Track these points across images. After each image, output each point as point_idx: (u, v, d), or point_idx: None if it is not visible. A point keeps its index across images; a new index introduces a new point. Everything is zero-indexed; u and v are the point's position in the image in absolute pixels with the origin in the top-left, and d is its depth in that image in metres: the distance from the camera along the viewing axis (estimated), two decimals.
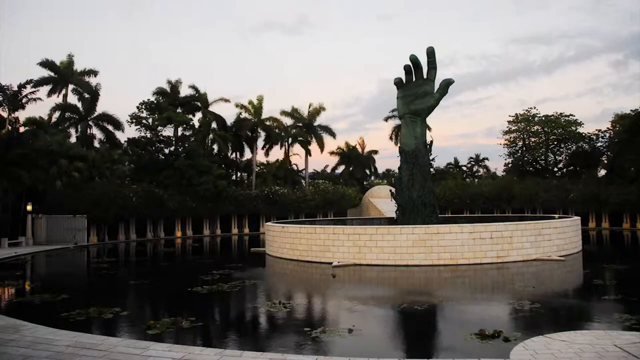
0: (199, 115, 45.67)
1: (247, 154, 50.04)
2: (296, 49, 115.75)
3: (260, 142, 48.18)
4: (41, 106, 49.78)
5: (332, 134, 50.72)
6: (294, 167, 56.89)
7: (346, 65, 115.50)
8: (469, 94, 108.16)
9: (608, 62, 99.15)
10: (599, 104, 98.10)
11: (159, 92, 43.89)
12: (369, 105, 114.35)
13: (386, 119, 55.85)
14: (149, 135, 42.64)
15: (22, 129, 34.13)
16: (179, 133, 43.06)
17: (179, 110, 44.09)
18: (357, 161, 60.57)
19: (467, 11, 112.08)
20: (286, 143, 50.77)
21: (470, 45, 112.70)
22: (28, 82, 34.07)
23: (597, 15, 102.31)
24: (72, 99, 40.44)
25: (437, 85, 20.25)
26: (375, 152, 62.37)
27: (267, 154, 50.04)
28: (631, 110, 42.80)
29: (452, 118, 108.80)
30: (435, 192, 21.68)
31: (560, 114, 51.57)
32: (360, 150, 62.09)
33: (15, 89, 32.20)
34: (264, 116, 46.54)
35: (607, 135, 47.91)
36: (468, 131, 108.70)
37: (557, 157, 53.02)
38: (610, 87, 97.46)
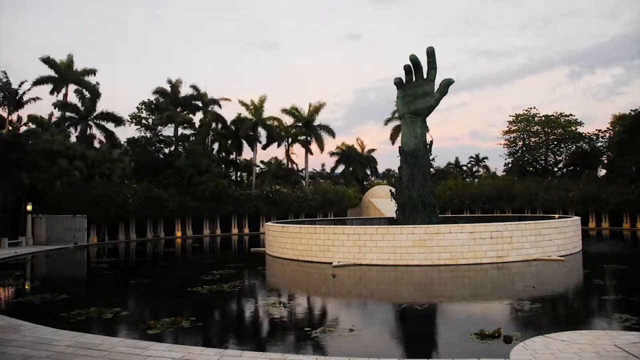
0: (199, 114, 45.70)
1: (247, 154, 50.10)
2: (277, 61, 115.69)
3: (260, 142, 48.17)
4: (41, 106, 49.88)
5: (332, 133, 50.67)
6: (294, 166, 56.91)
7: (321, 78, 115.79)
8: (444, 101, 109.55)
9: (564, 73, 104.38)
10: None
11: (159, 91, 43.88)
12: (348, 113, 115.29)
13: (386, 122, 55.89)
14: (149, 135, 42.69)
15: (22, 129, 34.17)
16: (179, 132, 43.07)
17: (179, 110, 44.09)
18: (357, 161, 60.57)
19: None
20: (286, 142, 50.79)
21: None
22: (37, 82, 34.37)
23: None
24: (73, 98, 40.46)
25: (437, 85, 20.26)
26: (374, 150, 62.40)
27: (264, 149, 50.01)
28: (631, 110, 42.82)
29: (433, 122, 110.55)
30: (435, 192, 21.69)
31: (560, 114, 51.57)
32: (360, 150, 62.09)
33: (15, 87, 32.26)
34: (264, 116, 46.54)
35: (607, 135, 47.90)
36: (453, 135, 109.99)
37: (557, 157, 53.03)
38: (566, 96, 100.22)
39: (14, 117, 33.90)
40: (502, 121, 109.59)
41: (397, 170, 22.52)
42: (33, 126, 34.90)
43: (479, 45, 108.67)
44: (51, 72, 38.90)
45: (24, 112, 35.55)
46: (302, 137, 49.55)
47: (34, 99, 34.61)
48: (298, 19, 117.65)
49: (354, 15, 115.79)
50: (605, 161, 47.76)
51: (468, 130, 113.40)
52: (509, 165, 55.22)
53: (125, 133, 42.43)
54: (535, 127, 52.02)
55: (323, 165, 67.66)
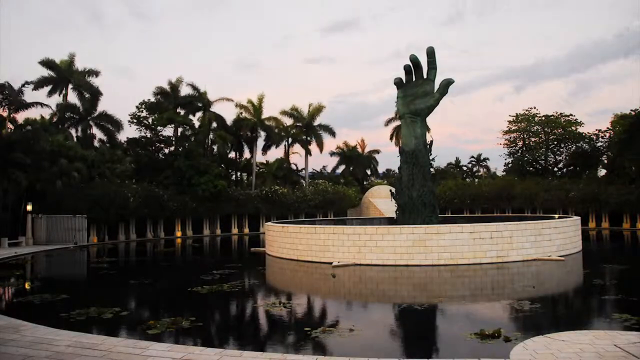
0: (199, 114, 45.69)
1: (247, 154, 50.12)
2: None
3: (260, 142, 48.24)
4: (42, 106, 49.79)
5: (332, 133, 50.74)
6: (294, 166, 56.95)
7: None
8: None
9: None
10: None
11: (159, 92, 43.87)
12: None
13: (386, 123, 55.97)
14: (149, 135, 42.68)
15: (22, 129, 34.15)
16: (179, 133, 43.07)
17: (179, 110, 44.08)
18: (357, 161, 60.61)
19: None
20: (286, 143, 50.81)
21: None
22: (37, 85, 34.46)
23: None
24: (73, 98, 40.47)
25: (437, 85, 20.25)
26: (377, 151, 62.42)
27: (265, 152, 50.08)
28: (631, 110, 42.83)
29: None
30: (435, 192, 21.67)
31: (561, 114, 51.58)
32: (360, 150, 62.13)
33: (17, 88, 32.25)
34: (264, 116, 46.57)
35: (607, 135, 47.89)
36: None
37: (557, 157, 53.01)
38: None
39: (15, 117, 33.86)
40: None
41: (397, 170, 22.51)
42: (31, 127, 34.91)
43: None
44: (51, 73, 38.97)
45: (27, 114, 35.67)
46: (302, 138, 49.58)
47: (38, 104, 34.64)
48: (299, 18, 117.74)
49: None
50: (605, 161, 47.75)
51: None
52: (509, 165, 55.24)
53: (125, 133, 42.96)
54: (535, 127, 52.03)
55: (325, 166, 67.78)
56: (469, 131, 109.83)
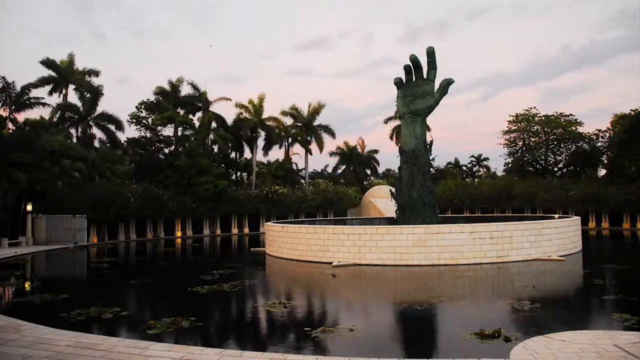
0: (199, 114, 45.69)
1: (247, 154, 50.13)
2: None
3: (260, 142, 48.25)
4: (43, 106, 49.82)
5: (332, 134, 50.75)
6: (294, 166, 56.91)
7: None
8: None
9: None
10: None
11: (160, 92, 43.87)
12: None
13: (386, 121, 55.98)
14: (149, 135, 42.67)
15: (22, 129, 34.17)
16: (179, 133, 43.06)
17: (179, 110, 44.07)
18: (357, 161, 60.61)
19: None
20: (286, 143, 50.79)
21: None
22: (37, 85, 34.52)
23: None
24: (73, 98, 40.48)
25: (437, 85, 20.25)
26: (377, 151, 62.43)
27: (265, 152, 50.10)
28: (631, 110, 42.82)
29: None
30: (435, 192, 21.68)
31: (560, 114, 51.55)
32: (360, 150, 62.12)
33: (19, 89, 32.30)
34: (264, 116, 46.56)
35: (607, 135, 47.87)
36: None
37: (557, 157, 52.98)
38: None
39: (15, 117, 33.89)
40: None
41: (397, 170, 22.52)
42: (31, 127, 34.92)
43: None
44: (52, 73, 38.96)
45: (27, 114, 35.68)
46: (302, 137, 49.57)
47: (40, 104, 34.66)
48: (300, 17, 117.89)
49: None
50: (605, 161, 47.72)
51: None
52: (509, 165, 55.23)
53: (125, 133, 42.97)
54: (535, 127, 52.01)
55: (326, 166, 67.79)
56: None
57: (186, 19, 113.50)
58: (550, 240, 18.78)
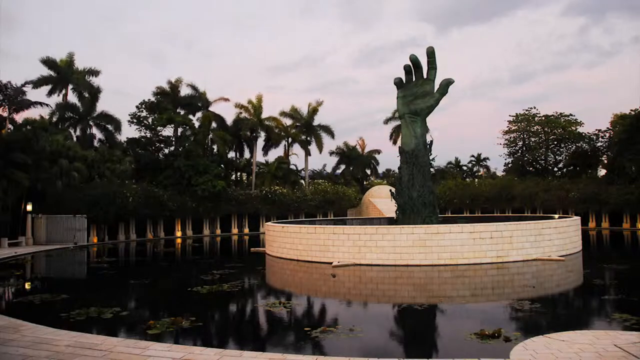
0: (198, 114, 45.68)
1: (247, 154, 50.13)
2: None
3: (260, 142, 48.24)
4: (43, 106, 49.82)
5: (331, 134, 50.73)
6: (293, 166, 56.93)
7: None
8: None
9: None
10: None
11: (159, 92, 43.86)
12: None
13: (386, 122, 55.92)
14: (148, 135, 42.68)
15: (22, 129, 34.16)
16: (179, 133, 43.06)
17: (179, 110, 44.07)
18: (357, 161, 60.58)
19: None
20: (286, 142, 50.79)
21: None
22: (37, 84, 34.52)
23: None
24: (73, 98, 40.46)
25: (437, 85, 20.25)
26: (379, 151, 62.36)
27: (265, 152, 50.09)
28: (631, 110, 42.82)
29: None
30: (435, 192, 21.67)
31: (560, 114, 51.57)
32: (360, 150, 62.10)
33: (17, 87, 32.26)
34: (263, 116, 46.56)
35: (607, 135, 47.89)
36: None
37: (557, 157, 52.99)
38: None
39: (14, 117, 33.88)
40: None
41: (397, 170, 22.50)
42: (30, 127, 34.92)
43: None
44: (51, 72, 38.94)
45: (27, 114, 35.67)
46: (302, 138, 49.58)
47: (40, 103, 34.64)
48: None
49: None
50: (605, 161, 47.73)
51: None
52: (509, 165, 55.24)
53: (125, 133, 42.99)
54: (535, 127, 52.02)
55: (325, 166, 67.77)
56: None
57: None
58: (550, 240, 18.77)
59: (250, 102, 46.14)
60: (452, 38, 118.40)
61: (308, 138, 49.86)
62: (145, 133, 42.74)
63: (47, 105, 36.04)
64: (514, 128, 53.28)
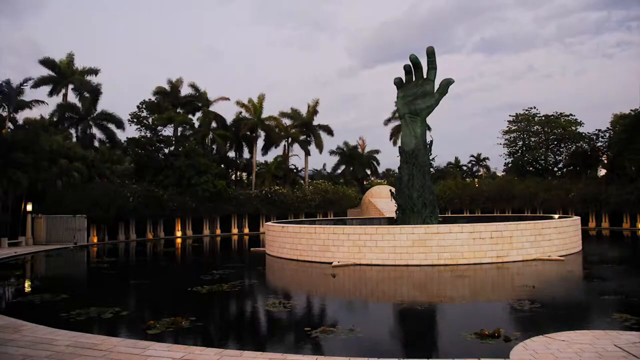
0: (198, 114, 45.69)
1: (247, 154, 50.10)
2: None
3: (260, 142, 48.23)
4: (43, 105, 49.83)
5: (331, 133, 50.73)
6: (293, 166, 56.94)
7: None
8: None
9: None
10: None
11: (159, 91, 43.86)
12: None
13: (386, 122, 55.96)
14: (149, 135, 42.69)
15: (22, 129, 34.17)
16: (179, 132, 43.07)
17: (179, 110, 44.08)
18: (357, 161, 60.59)
19: None
20: (285, 142, 50.80)
21: None
22: (37, 84, 34.54)
23: None
24: (73, 98, 40.46)
25: (437, 85, 20.25)
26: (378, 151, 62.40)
27: (265, 152, 50.07)
28: (631, 110, 42.80)
29: None
30: (435, 192, 21.67)
31: (561, 114, 51.57)
32: (360, 150, 62.11)
33: (14, 86, 32.27)
34: (263, 116, 46.56)
35: (607, 135, 47.87)
36: None
37: (557, 157, 52.99)
38: None
39: (14, 117, 33.88)
40: None
41: (397, 170, 22.50)
42: (30, 127, 34.93)
43: None
44: (51, 72, 38.95)
45: (27, 114, 35.70)
46: (302, 137, 49.58)
47: (39, 102, 34.64)
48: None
49: None
50: (605, 161, 47.71)
51: None
52: (509, 165, 55.22)
53: (125, 133, 43.00)
54: (535, 127, 52.02)
55: (325, 166, 67.79)
56: None
57: None
58: (550, 240, 18.78)
59: (250, 101, 46.14)
60: None
61: (308, 137, 49.86)
62: (145, 133, 42.75)
63: (45, 103, 36.04)
64: (514, 128, 53.29)
